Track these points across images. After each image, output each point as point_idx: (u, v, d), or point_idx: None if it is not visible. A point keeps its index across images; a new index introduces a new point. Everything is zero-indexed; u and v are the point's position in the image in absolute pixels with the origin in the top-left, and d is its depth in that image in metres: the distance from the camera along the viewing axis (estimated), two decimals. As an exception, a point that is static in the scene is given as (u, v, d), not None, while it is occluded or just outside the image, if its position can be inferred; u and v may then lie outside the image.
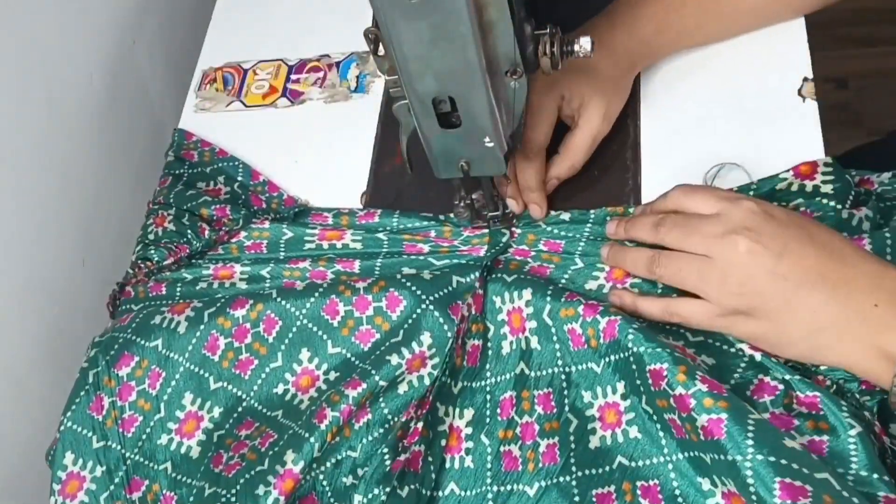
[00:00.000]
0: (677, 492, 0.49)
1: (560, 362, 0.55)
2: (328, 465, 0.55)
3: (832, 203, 0.55)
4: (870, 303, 0.45)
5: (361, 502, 0.52)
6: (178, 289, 0.65)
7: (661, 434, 0.50)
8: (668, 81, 0.66)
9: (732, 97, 0.64)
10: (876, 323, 0.45)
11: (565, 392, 0.54)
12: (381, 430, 0.55)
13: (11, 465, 0.69)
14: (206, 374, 0.61)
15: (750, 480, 0.43)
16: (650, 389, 0.50)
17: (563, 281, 0.58)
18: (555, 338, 0.55)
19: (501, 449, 0.54)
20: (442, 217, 0.63)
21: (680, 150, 0.63)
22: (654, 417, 0.51)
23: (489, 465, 0.54)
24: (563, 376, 0.55)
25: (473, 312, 0.57)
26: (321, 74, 0.77)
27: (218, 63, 0.81)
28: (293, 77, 0.77)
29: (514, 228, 0.61)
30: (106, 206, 0.82)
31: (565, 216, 0.61)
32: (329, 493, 0.54)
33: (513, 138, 0.55)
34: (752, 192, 0.58)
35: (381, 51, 0.50)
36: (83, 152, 0.79)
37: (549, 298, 0.55)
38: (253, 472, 0.55)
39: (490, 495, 0.53)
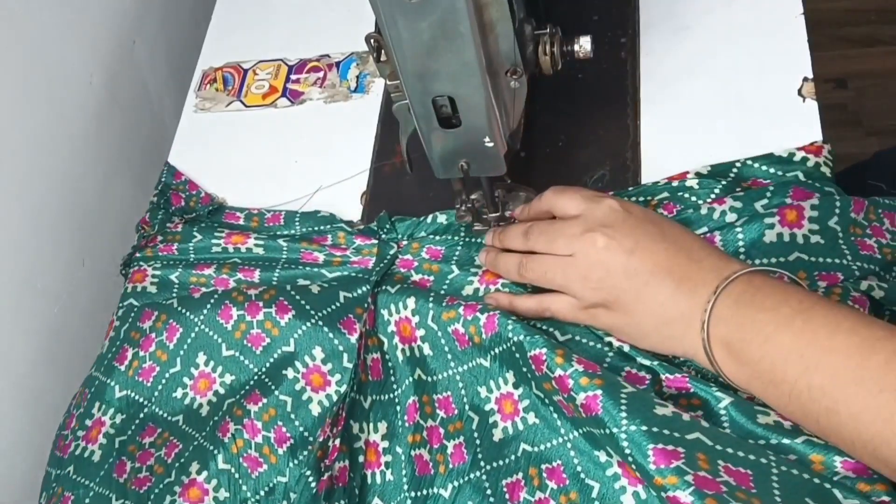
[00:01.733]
0: (579, 468, 0.50)
1: (452, 364, 0.57)
2: (262, 493, 0.57)
3: (693, 198, 0.58)
4: (711, 294, 0.48)
5: None
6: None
7: (555, 416, 0.52)
8: (668, 81, 0.66)
9: (732, 97, 0.64)
10: (715, 317, 0.47)
11: (462, 392, 0.56)
12: (305, 453, 0.57)
13: (11, 465, 0.69)
14: (112, 384, 0.64)
15: (627, 451, 0.45)
16: (535, 375, 0.52)
17: (443, 290, 0.60)
18: (442, 341, 0.57)
19: (412, 453, 0.56)
20: (340, 220, 0.66)
21: (680, 150, 0.63)
22: (546, 401, 0.53)
23: (404, 472, 0.55)
24: (458, 377, 0.56)
25: (367, 327, 0.59)
26: (321, 74, 0.77)
27: (218, 63, 0.81)
28: (293, 77, 0.77)
29: (399, 240, 0.63)
30: (106, 206, 0.82)
31: (441, 218, 0.63)
32: None
33: (513, 138, 0.55)
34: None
35: (384, 57, 0.50)
36: (83, 152, 0.79)
37: (431, 304, 0.57)
38: (161, 486, 0.58)
39: (409, 502, 0.54)
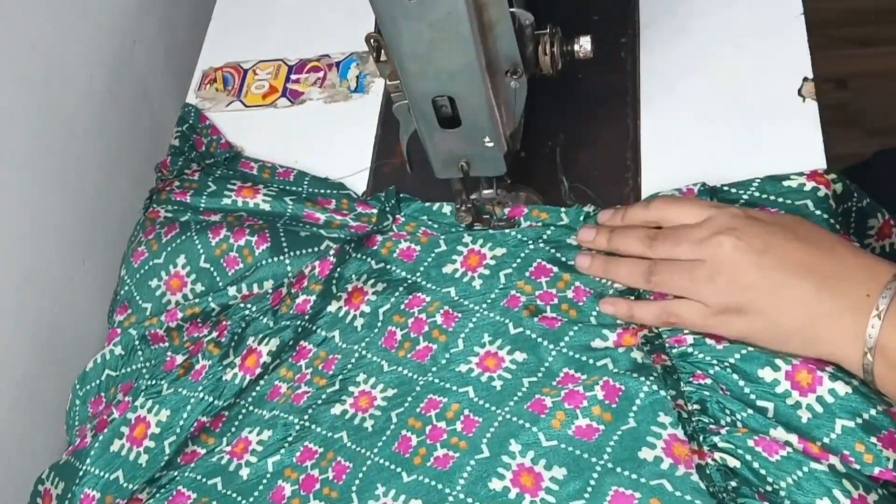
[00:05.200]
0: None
1: (365, 343, 0.59)
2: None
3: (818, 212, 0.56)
4: (861, 293, 0.46)
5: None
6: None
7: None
8: (668, 81, 0.66)
9: (732, 97, 0.64)
10: (868, 312, 0.45)
11: (351, 365, 0.59)
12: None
13: (11, 465, 0.69)
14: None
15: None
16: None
17: (428, 261, 0.61)
18: (375, 329, 0.60)
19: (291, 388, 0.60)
20: (347, 189, 0.68)
21: (680, 150, 0.63)
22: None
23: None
24: (354, 358, 0.59)
25: (317, 274, 0.62)
26: (321, 74, 0.77)
27: (218, 63, 0.81)
28: (293, 77, 0.77)
29: (398, 215, 0.65)
30: (106, 206, 0.82)
31: (447, 209, 0.64)
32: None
33: (513, 138, 0.56)
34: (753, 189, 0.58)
35: (384, 57, 0.50)
36: (83, 152, 0.79)
37: (392, 300, 0.60)
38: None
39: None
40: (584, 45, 0.54)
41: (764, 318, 0.48)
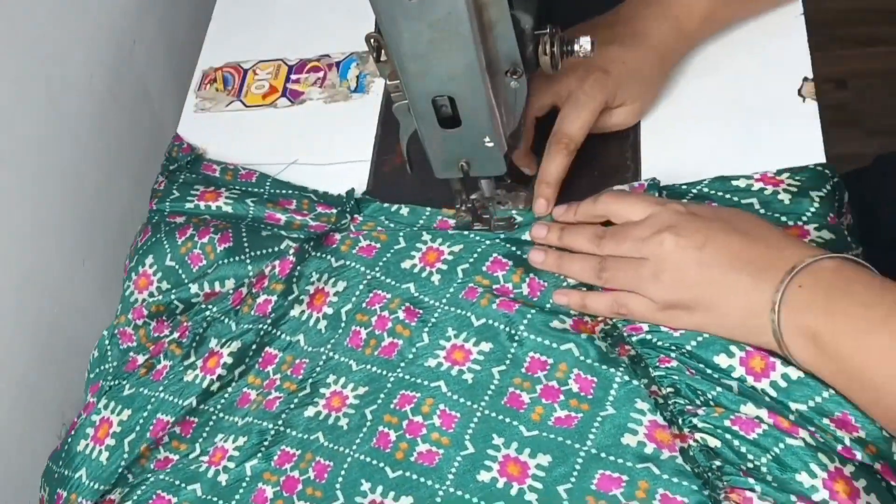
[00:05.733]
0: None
1: (331, 345, 0.60)
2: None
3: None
4: (795, 284, 0.47)
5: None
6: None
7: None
8: (668, 81, 0.66)
9: (732, 97, 0.64)
10: (801, 304, 0.46)
11: (318, 366, 0.60)
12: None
13: (11, 464, 0.69)
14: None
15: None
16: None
17: (386, 258, 0.62)
18: (339, 331, 0.60)
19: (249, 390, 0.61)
20: (311, 190, 0.69)
21: (680, 150, 0.63)
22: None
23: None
24: (322, 360, 0.60)
25: (277, 273, 0.63)
26: (321, 74, 0.77)
27: (218, 63, 0.81)
28: (293, 77, 0.77)
29: (356, 215, 0.65)
30: (106, 206, 0.82)
31: (404, 210, 0.65)
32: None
33: (513, 138, 0.55)
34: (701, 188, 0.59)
35: (384, 57, 0.50)
36: (83, 152, 0.79)
37: (354, 299, 0.61)
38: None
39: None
40: (584, 45, 0.54)
41: (708, 313, 0.50)
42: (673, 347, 0.52)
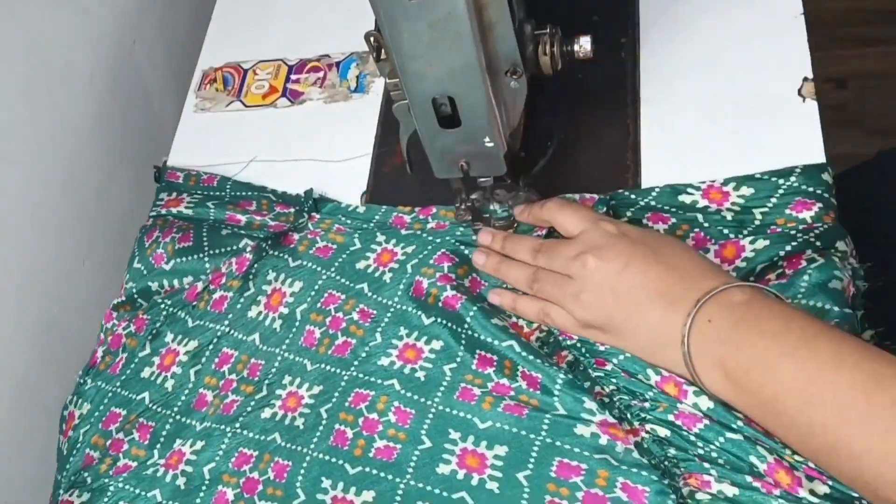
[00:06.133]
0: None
1: (285, 345, 0.61)
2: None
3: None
4: (704, 319, 0.47)
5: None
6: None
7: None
8: (668, 81, 0.66)
9: (732, 97, 0.64)
10: (709, 336, 0.47)
11: (273, 368, 0.61)
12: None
13: (11, 465, 0.69)
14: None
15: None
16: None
17: (341, 260, 0.63)
18: (293, 330, 0.62)
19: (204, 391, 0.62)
20: (269, 190, 0.70)
21: (680, 150, 0.63)
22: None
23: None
24: (278, 361, 0.61)
25: (234, 270, 0.65)
26: (321, 74, 0.77)
27: (218, 63, 0.81)
28: (293, 77, 0.77)
29: (314, 213, 0.67)
30: (106, 206, 0.82)
31: (361, 209, 0.66)
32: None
33: (513, 138, 0.56)
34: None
35: (384, 56, 0.50)
36: (83, 152, 0.79)
37: (309, 299, 0.62)
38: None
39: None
40: (584, 45, 0.54)
41: (621, 338, 0.51)
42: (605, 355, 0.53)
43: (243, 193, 0.71)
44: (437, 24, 0.45)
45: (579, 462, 0.50)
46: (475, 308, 0.57)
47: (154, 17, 0.91)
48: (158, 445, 0.61)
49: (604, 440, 0.50)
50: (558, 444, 0.51)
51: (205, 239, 0.67)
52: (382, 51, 0.50)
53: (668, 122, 0.65)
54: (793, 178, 0.57)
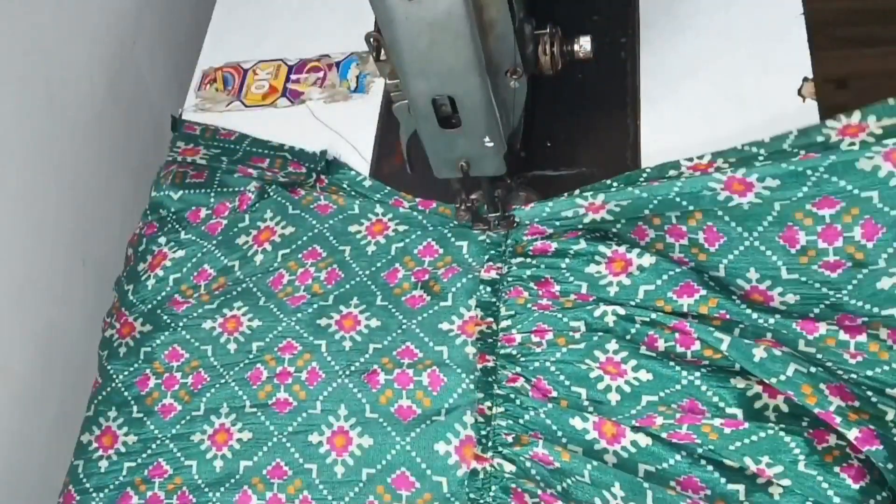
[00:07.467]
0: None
1: (255, 278, 0.65)
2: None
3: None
4: None
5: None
6: None
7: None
8: (668, 81, 0.66)
9: (732, 97, 0.64)
10: None
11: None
12: None
13: (12, 465, 0.69)
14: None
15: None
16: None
17: (335, 219, 0.66)
18: (270, 268, 0.65)
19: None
20: (286, 147, 0.72)
21: (680, 150, 0.63)
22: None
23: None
24: (242, 287, 0.66)
25: (236, 206, 0.68)
26: (321, 74, 0.77)
27: (218, 63, 0.81)
28: (293, 77, 0.77)
29: (322, 176, 0.69)
30: (106, 206, 0.82)
31: (367, 183, 0.68)
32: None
33: (513, 138, 0.55)
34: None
35: (383, 56, 0.50)
36: (83, 152, 0.79)
37: (294, 247, 0.66)
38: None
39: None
40: (584, 45, 0.54)
41: None
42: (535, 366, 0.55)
43: (259, 150, 0.72)
44: (436, 23, 0.45)
45: (417, 478, 0.55)
46: (430, 312, 0.60)
47: (154, 17, 0.91)
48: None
49: (452, 461, 0.54)
50: (413, 454, 0.55)
51: (217, 177, 0.71)
52: (382, 51, 0.50)
53: (668, 122, 0.65)
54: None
